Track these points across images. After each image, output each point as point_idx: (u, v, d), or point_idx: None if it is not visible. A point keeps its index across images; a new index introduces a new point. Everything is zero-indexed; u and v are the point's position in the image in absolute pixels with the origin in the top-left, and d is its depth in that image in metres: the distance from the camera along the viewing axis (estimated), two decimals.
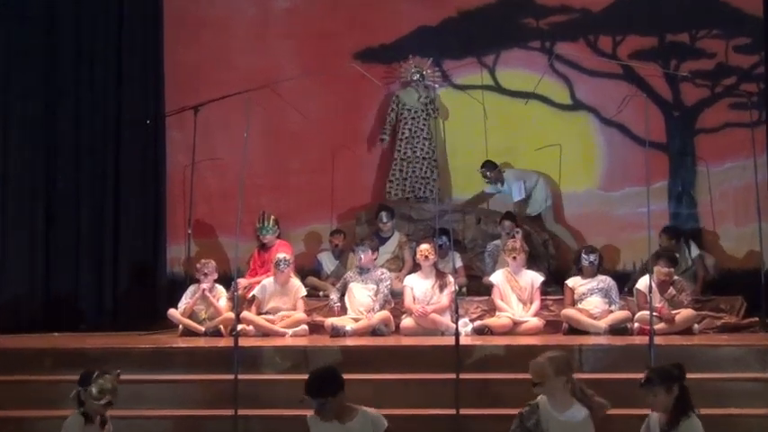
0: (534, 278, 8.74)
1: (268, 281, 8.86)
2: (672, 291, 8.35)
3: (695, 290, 8.96)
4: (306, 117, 9.99)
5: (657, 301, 8.04)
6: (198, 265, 8.95)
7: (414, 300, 8.58)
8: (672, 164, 10.35)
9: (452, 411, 6.30)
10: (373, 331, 8.40)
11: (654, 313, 6.86)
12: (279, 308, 8.69)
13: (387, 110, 10.50)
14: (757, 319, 8.58)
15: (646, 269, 7.96)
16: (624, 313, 8.40)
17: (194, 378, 7.11)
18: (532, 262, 9.26)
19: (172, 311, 8.78)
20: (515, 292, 8.67)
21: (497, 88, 10.61)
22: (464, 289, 9.24)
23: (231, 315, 8.04)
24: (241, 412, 6.32)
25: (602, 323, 8.25)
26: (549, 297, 8.94)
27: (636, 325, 8.16)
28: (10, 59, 9.78)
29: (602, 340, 7.89)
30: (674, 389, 4.74)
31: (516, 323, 8.44)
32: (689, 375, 4.92)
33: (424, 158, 10.32)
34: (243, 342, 7.09)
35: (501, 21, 10.53)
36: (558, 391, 4.86)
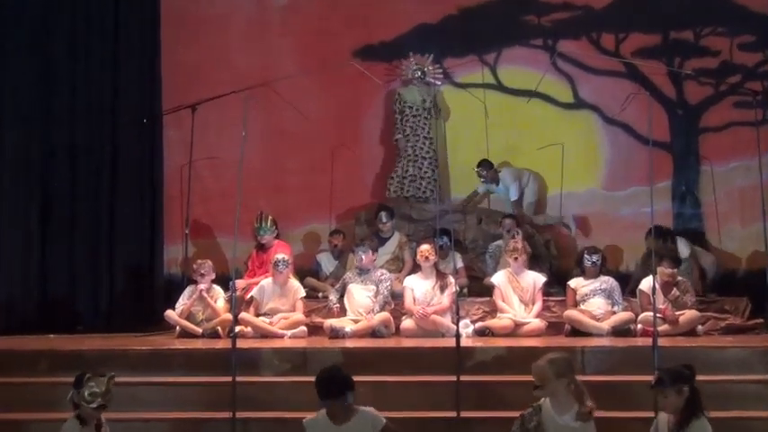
0: (536, 279, 8.75)
1: (266, 282, 8.87)
2: (675, 292, 8.37)
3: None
4: (305, 116, 9.99)
5: (661, 303, 8.06)
6: (194, 266, 8.96)
7: (414, 301, 8.59)
8: (676, 163, 10.36)
9: (453, 414, 6.31)
10: (373, 333, 8.42)
11: (657, 314, 6.87)
12: (277, 309, 8.70)
13: (387, 108, 10.54)
14: (762, 320, 8.60)
15: (649, 269, 7.96)
16: (627, 314, 8.41)
17: (192, 380, 7.11)
18: (534, 262, 9.28)
19: (169, 313, 8.79)
20: (517, 294, 8.68)
21: (499, 86, 10.63)
22: (465, 290, 9.24)
23: (229, 316, 8.05)
24: (239, 415, 6.33)
25: (605, 324, 8.26)
26: (551, 298, 8.95)
27: (639, 326, 8.17)
28: (6, 58, 9.78)
29: (605, 342, 7.90)
30: (685, 390, 4.76)
31: (518, 325, 8.45)
32: None
33: (423, 157, 10.33)
34: (241, 344, 7.10)
35: (502, 18, 10.54)
36: (561, 393, 4.87)
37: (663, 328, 7.85)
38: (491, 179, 10.21)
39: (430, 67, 10.49)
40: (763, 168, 9.38)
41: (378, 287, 8.68)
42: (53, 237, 9.93)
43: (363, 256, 8.80)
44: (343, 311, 8.70)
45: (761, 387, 6.75)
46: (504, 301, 8.67)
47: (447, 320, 8.39)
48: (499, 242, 9.57)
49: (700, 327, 8.35)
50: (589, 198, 10.40)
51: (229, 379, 6.36)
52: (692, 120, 10.36)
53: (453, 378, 6.40)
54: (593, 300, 8.54)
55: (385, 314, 8.56)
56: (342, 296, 8.80)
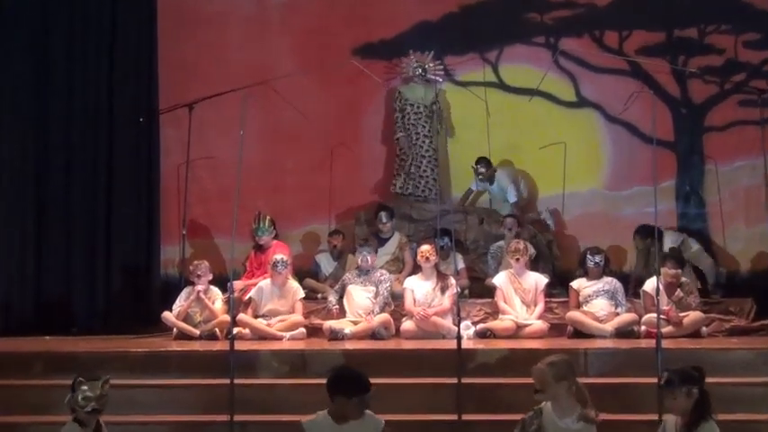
0: (538, 280, 8.74)
1: (265, 283, 8.86)
2: (679, 293, 8.36)
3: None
4: (304, 115, 9.98)
5: (665, 304, 8.06)
6: (191, 267, 8.96)
7: (414, 302, 8.58)
8: (680, 163, 10.35)
9: (454, 417, 6.31)
10: (373, 334, 8.41)
11: (661, 316, 6.87)
12: (276, 310, 8.69)
13: (387, 107, 10.53)
14: (767, 321, 8.59)
15: (653, 270, 7.96)
16: (631, 316, 8.40)
17: (189, 383, 7.10)
18: (536, 263, 9.28)
19: (166, 314, 8.78)
20: (519, 295, 8.68)
21: (500, 85, 10.62)
22: (466, 291, 9.25)
23: (227, 318, 8.05)
24: (237, 418, 6.32)
25: (608, 326, 8.26)
26: (553, 299, 8.96)
27: (643, 328, 8.17)
28: (2, 57, 9.78)
29: (608, 344, 7.90)
30: (694, 392, 4.75)
31: (520, 326, 8.44)
32: None
33: (423, 156, 10.33)
34: (239, 345, 7.10)
35: (504, 15, 10.53)
36: (562, 396, 4.86)
37: (667, 329, 7.83)
38: (488, 177, 10.19)
39: (431, 65, 10.48)
40: None
41: (377, 288, 8.68)
42: (49, 237, 9.93)
43: (369, 258, 8.80)
44: (342, 313, 8.69)
45: (766, 390, 6.73)
46: (505, 302, 8.66)
47: (448, 322, 8.38)
48: (501, 243, 9.56)
49: (704, 328, 8.35)
50: (591, 198, 10.39)
51: (227, 381, 6.35)
52: (696, 118, 10.35)
53: (454, 380, 6.40)
54: (596, 301, 8.53)
55: (385, 315, 8.55)
56: (341, 297, 8.80)
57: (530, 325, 8.47)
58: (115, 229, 10.09)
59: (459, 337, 6.67)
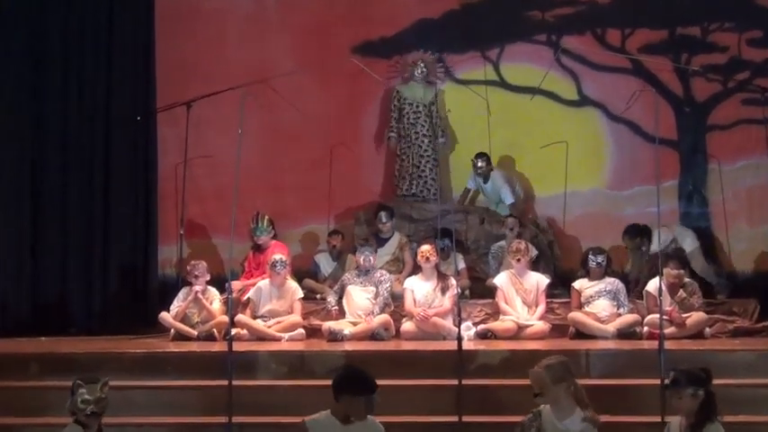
0: (540, 280, 8.74)
1: (263, 283, 8.86)
2: (682, 293, 8.36)
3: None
4: (303, 113, 9.98)
5: (668, 304, 8.05)
6: (188, 267, 8.95)
7: (414, 303, 8.58)
8: (682, 162, 10.35)
9: (455, 419, 6.31)
10: (372, 335, 8.42)
11: (664, 317, 6.87)
12: (275, 311, 8.69)
13: (387, 106, 10.50)
14: None
15: (656, 270, 7.94)
16: (633, 317, 8.40)
17: (187, 384, 7.11)
18: (538, 263, 9.28)
19: (163, 315, 8.78)
20: (520, 295, 8.67)
21: (501, 83, 10.61)
22: (467, 292, 9.24)
23: (225, 318, 8.05)
24: (235, 419, 6.32)
25: (611, 327, 8.26)
26: (555, 300, 8.95)
27: (645, 329, 8.17)
28: None
29: (611, 345, 7.90)
30: (700, 393, 4.75)
31: (521, 327, 8.44)
32: None
33: (421, 156, 10.32)
34: (237, 347, 7.10)
35: (505, 13, 10.52)
36: (561, 398, 4.87)
37: (669, 330, 7.83)
38: (485, 173, 10.16)
39: (434, 65, 10.46)
40: None
41: (377, 288, 8.68)
42: (46, 237, 9.94)
43: (372, 258, 8.80)
44: (341, 314, 8.69)
45: None
46: (506, 303, 8.66)
47: (448, 323, 8.38)
48: (502, 243, 9.56)
49: (707, 329, 8.34)
50: (593, 197, 10.39)
51: (225, 383, 6.35)
52: (699, 117, 10.34)
53: (455, 382, 6.40)
54: (598, 301, 8.53)
55: (385, 316, 8.55)
56: (340, 298, 8.79)
57: (531, 326, 8.47)
58: (112, 228, 10.10)
59: (459, 338, 6.67)
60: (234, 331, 7.35)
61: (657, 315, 6.84)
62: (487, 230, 10.08)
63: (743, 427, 6.19)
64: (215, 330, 8.56)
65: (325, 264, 9.92)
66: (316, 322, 8.79)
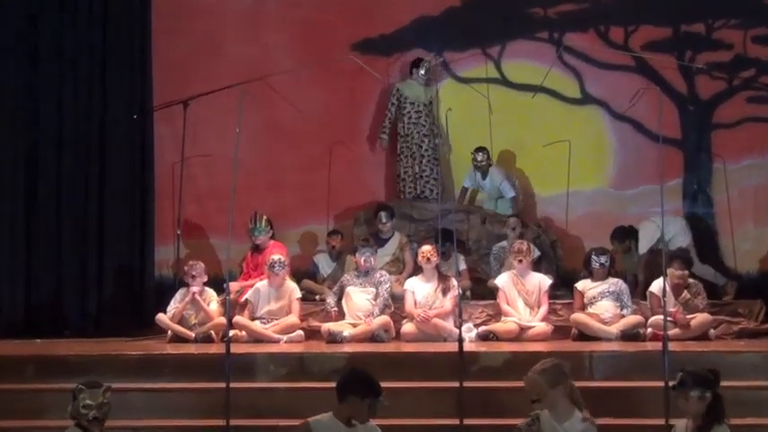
0: (542, 281, 8.74)
1: (262, 284, 8.86)
2: (686, 294, 8.36)
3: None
4: (301, 112, 9.99)
5: (672, 306, 8.05)
6: (185, 268, 8.95)
7: (415, 304, 8.58)
8: (687, 161, 10.35)
9: (456, 422, 6.31)
10: (372, 337, 8.41)
11: (668, 318, 6.87)
12: (273, 312, 8.69)
13: (386, 104, 10.50)
14: None
15: (654, 268, 7.95)
16: (636, 318, 8.40)
17: (184, 386, 7.12)
18: (540, 264, 9.28)
19: (160, 316, 8.78)
20: (522, 296, 8.67)
21: (503, 81, 10.62)
22: (468, 293, 9.24)
23: (223, 320, 8.04)
24: (233, 422, 6.32)
25: (614, 328, 8.26)
26: (557, 301, 8.95)
27: (649, 330, 8.17)
28: None
29: (614, 346, 7.91)
30: (707, 395, 4.75)
31: (523, 328, 8.44)
32: None
33: (422, 155, 10.32)
34: (235, 348, 7.09)
35: (506, 10, 10.53)
36: (559, 401, 4.88)
37: (674, 332, 7.84)
38: (484, 168, 10.15)
39: (436, 69, 10.46)
40: None
41: (377, 289, 8.67)
42: (40, 237, 9.91)
43: (372, 259, 8.80)
44: (341, 315, 8.69)
45: None
46: (508, 304, 8.66)
47: (449, 324, 8.38)
48: (503, 243, 9.56)
49: (712, 331, 8.34)
50: (596, 197, 10.39)
51: (223, 385, 6.35)
52: (703, 115, 10.34)
53: (456, 384, 6.40)
54: (602, 302, 8.53)
55: (385, 318, 8.55)
56: (339, 299, 8.79)
57: (533, 327, 8.47)
58: (108, 229, 10.07)
59: (460, 340, 6.66)
60: (232, 333, 7.35)
61: (661, 316, 6.84)
62: (489, 230, 10.08)
63: (749, 430, 6.22)
64: (212, 332, 8.56)
65: (325, 264, 9.93)
66: (315, 324, 8.79)
